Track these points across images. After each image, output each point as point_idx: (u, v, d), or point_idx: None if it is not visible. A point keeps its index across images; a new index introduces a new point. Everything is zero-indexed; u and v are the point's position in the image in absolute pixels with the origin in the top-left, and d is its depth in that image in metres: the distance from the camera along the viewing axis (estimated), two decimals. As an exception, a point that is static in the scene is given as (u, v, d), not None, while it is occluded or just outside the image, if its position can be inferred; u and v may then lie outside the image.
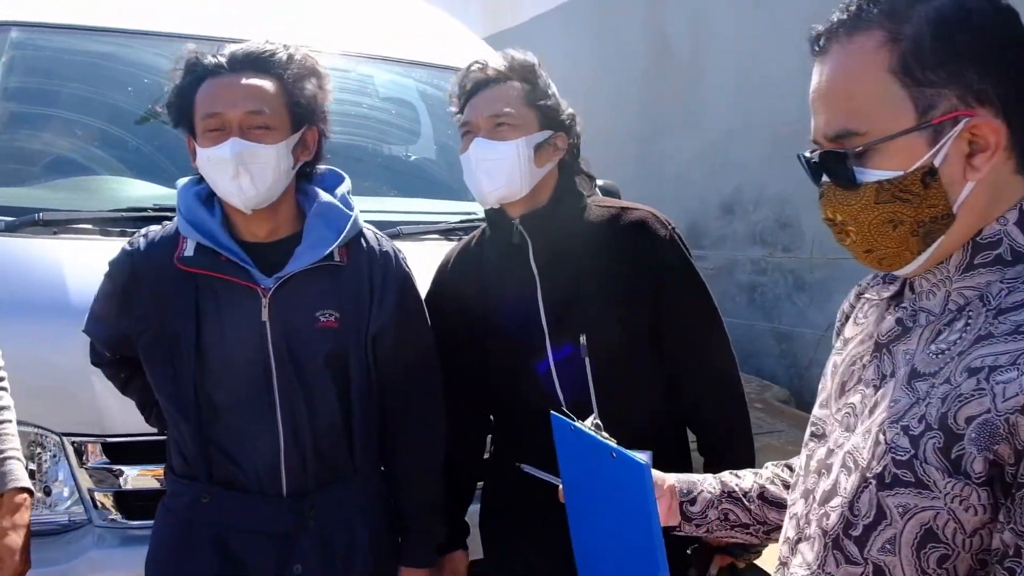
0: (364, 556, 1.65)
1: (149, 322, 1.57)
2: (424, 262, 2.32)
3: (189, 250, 1.56)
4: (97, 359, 1.74)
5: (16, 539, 1.51)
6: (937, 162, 0.85)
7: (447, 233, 2.46)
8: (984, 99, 0.84)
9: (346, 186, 1.72)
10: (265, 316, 1.55)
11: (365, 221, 2.31)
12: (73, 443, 1.93)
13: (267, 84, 1.53)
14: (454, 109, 1.75)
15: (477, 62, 1.71)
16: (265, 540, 1.58)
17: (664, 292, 1.69)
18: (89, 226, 2.11)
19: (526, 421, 1.71)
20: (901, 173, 0.86)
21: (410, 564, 1.72)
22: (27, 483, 1.57)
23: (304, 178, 1.67)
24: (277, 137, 1.52)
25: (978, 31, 0.85)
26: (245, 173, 1.49)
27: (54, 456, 1.95)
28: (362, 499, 1.67)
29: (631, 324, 1.68)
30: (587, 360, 1.64)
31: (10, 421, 1.62)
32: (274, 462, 1.57)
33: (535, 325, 1.69)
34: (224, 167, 1.49)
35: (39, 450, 1.95)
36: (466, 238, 1.90)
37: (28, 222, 2.06)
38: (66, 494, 1.95)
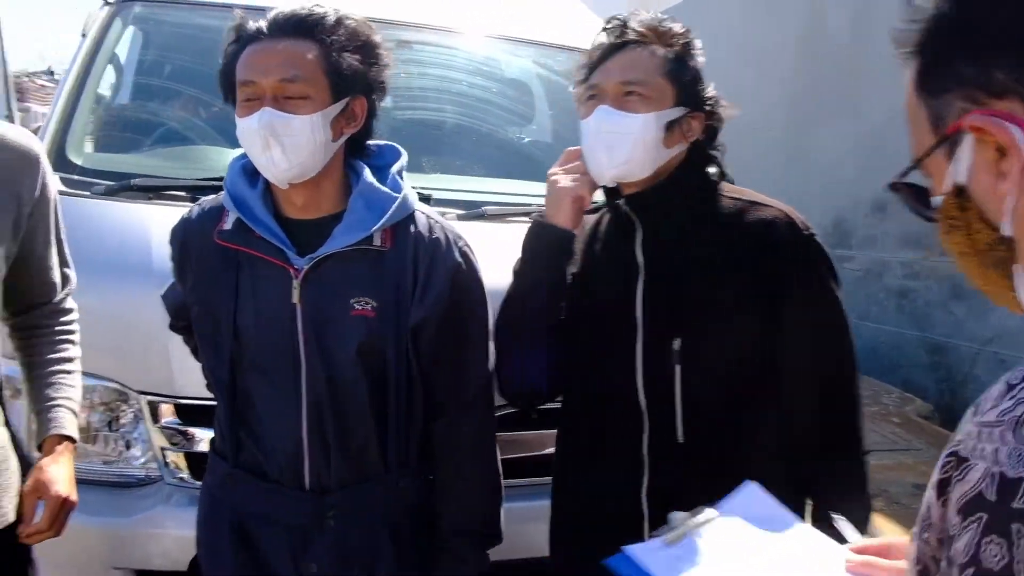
0: (388, 567, 1.55)
1: (197, 294, 1.55)
2: (509, 243, 2.25)
3: (228, 224, 1.50)
4: (172, 325, 1.74)
5: (55, 471, 1.53)
6: (961, 178, 0.72)
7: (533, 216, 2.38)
8: (1000, 90, 0.67)
9: (401, 163, 1.60)
10: (296, 298, 1.46)
11: (448, 200, 2.26)
12: (149, 402, 1.99)
13: (306, 49, 1.41)
14: (578, 78, 1.55)
15: (616, 19, 1.52)
16: (281, 532, 1.53)
17: (784, 307, 1.48)
18: (181, 193, 2.17)
19: (603, 421, 1.58)
20: (940, 200, 0.75)
21: None
22: (70, 432, 1.59)
23: (356, 152, 1.56)
24: (313, 107, 1.41)
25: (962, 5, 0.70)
26: (276, 145, 1.39)
27: (135, 413, 2.03)
28: (392, 505, 1.56)
29: (738, 336, 1.49)
30: (677, 368, 1.48)
31: (69, 372, 1.65)
32: (296, 453, 1.50)
33: (629, 319, 1.52)
34: (255, 138, 1.40)
35: (123, 406, 2.04)
36: (591, 215, 1.72)
37: (124, 187, 2.15)
38: (143, 450, 2.03)
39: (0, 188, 1.44)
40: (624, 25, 1.50)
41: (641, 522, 1.53)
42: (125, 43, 2.62)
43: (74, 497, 1.56)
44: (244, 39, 1.44)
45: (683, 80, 1.48)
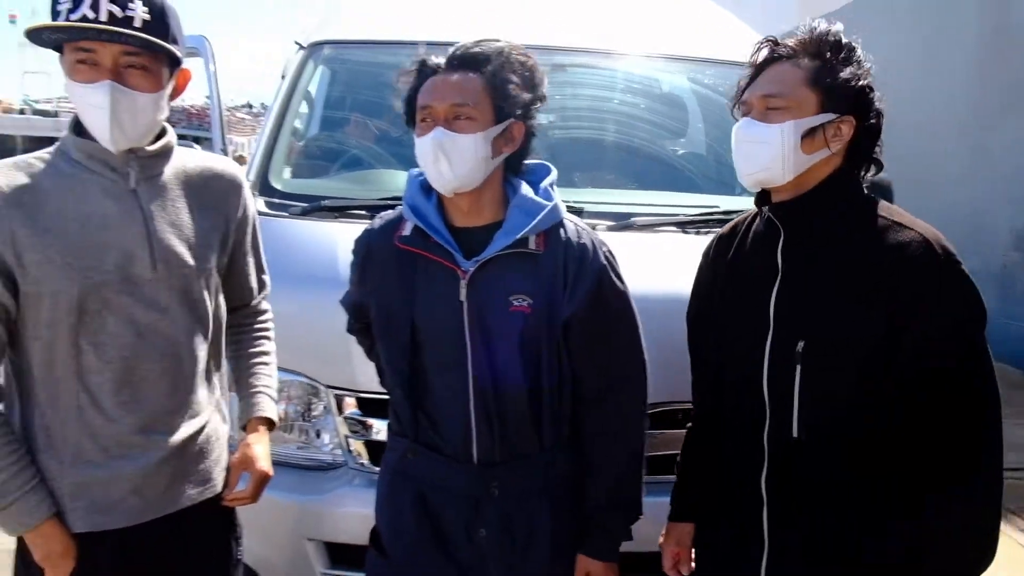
0: (545, 538, 1.74)
1: (376, 294, 1.78)
2: (656, 252, 2.37)
3: (407, 231, 1.73)
4: (349, 327, 1.98)
5: (259, 449, 1.81)
6: None
7: (683, 226, 2.48)
8: None
9: (551, 178, 1.79)
10: (463, 296, 1.68)
11: (596, 212, 2.42)
12: (335, 395, 2.27)
13: (474, 79, 1.64)
14: (737, 94, 1.65)
15: (768, 39, 1.63)
16: (456, 500, 1.74)
17: (905, 335, 1.49)
18: (362, 212, 2.45)
19: (734, 408, 1.69)
20: None
21: (587, 553, 1.78)
22: (271, 414, 1.87)
23: (514, 170, 1.76)
24: (477, 127, 1.62)
25: None
26: (444, 159, 1.62)
27: (325, 406, 2.32)
28: (547, 480, 1.76)
29: (857, 350, 1.53)
30: (798, 367, 1.56)
31: (267, 364, 1.94)
32: (466, 430, 1.71)
33: (763, 317, 1.62)
34: (428, 153, 1.64)
35: (314, 399, 2.34)
36: (735, 221, 1.82)
37: (316, 208, 2.46)
38: (330, 438, 2.31)
39: (212, 209, 1.75)
40: (774, 43, 1.60)
41: (760, 508, 1.63)
42: (316, 81, 2.97)
43: (271, 472, 1.85)
44: (426, 72, 1.69)
45: (831, 86, 1.53)
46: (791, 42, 1.58)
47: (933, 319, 1.49)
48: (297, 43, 2.98)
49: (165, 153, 1.66)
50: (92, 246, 1.55)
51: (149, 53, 1.53)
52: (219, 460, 1.80)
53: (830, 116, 1.53)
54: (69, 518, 1.58)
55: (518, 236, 1.68)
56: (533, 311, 1.69)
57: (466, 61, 1.67)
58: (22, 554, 1.62)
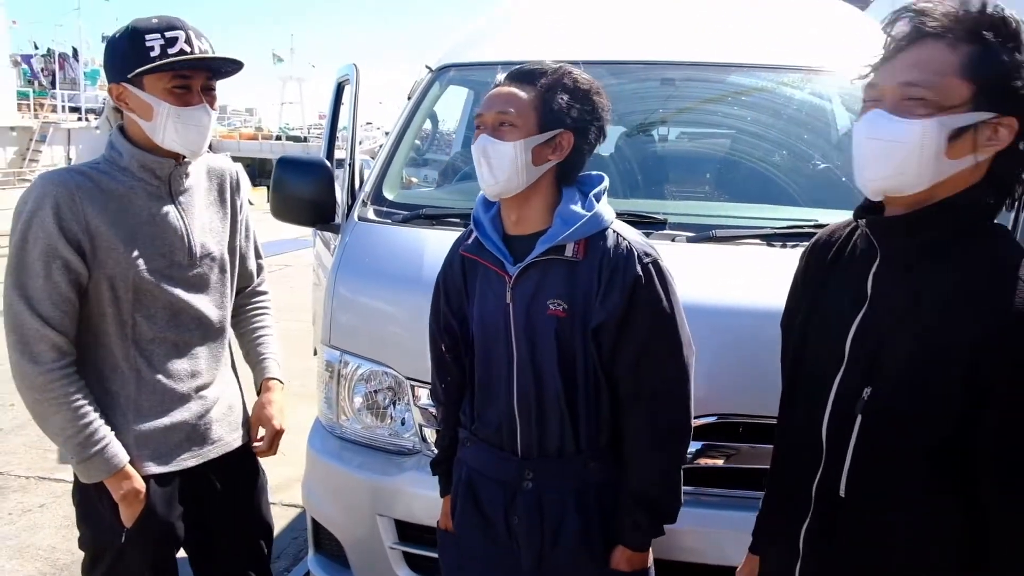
0: (570, 535, 1.81)
1: (453, 298, 1.95)
2: (732, 265, 2.34)
3: (471, 240, 1.89)
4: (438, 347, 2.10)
5: (273, 408, 2.13)
6: None
7: (769, 239, 2.39)
8: None
9: (600, 187, 1.85)
10: (508, 299, 1.80)
11: (679, 224, 2.43)
12: (412, 386, 2.46)
13: (522, 92, 1.75)
14: (860, 76, 1.35)
15: (911, 8, 1.29)
16: (497, 487, 1.88)
17: (992, 427, 1.22)
18: (456, 220, 2.62)
19: (795, 445, 1.50)
20: None
21: (620, 541, 1.85)
22: (277, 374, 2.18)
23: (564, 179, 1.82)
24: (519, 135, 1.72)
25: None
26: (485, 163, 1.75)
27: (407, 396, 2.51)
28: (581, 479, 1.83)
29: (933, 413, 1.26)
30: (859, 418, 1.33)
31: (270, 335, 2.27)
32: (510, 424, 1.84)
33: (838, 350, 1.38)
34: (475, 158, 1.78)
35: (398, 390, 2.53)
36: (833, 226, 1.55)
37: (415, 216, 2.67)
38: (410, 426, 2.50)
39: (226, 203, 2.08)
40: (920, 15, 1.27)
41: (795, 561, 1.48)
42: (444, 102, 3.22)
43: (284, 428, 2.16)
44: (492, 86, 1.83)
45: (989, 78, 1.22)
46: (940, 14, 1.26)
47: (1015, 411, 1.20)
48: (427, 67, 3.24)
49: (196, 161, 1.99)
50: (144, 239, 1.88)
51: (215, 77, 1.86)
52: (241, 413, 2.14)
53: (986, 115, 1.23)
54: (138, 464, 1.89)
55: (554, 243, 1.76)
56: (568, 315, 1.76)
57: (522, 76, 1.79)
58: (83, 495, 1.91)
